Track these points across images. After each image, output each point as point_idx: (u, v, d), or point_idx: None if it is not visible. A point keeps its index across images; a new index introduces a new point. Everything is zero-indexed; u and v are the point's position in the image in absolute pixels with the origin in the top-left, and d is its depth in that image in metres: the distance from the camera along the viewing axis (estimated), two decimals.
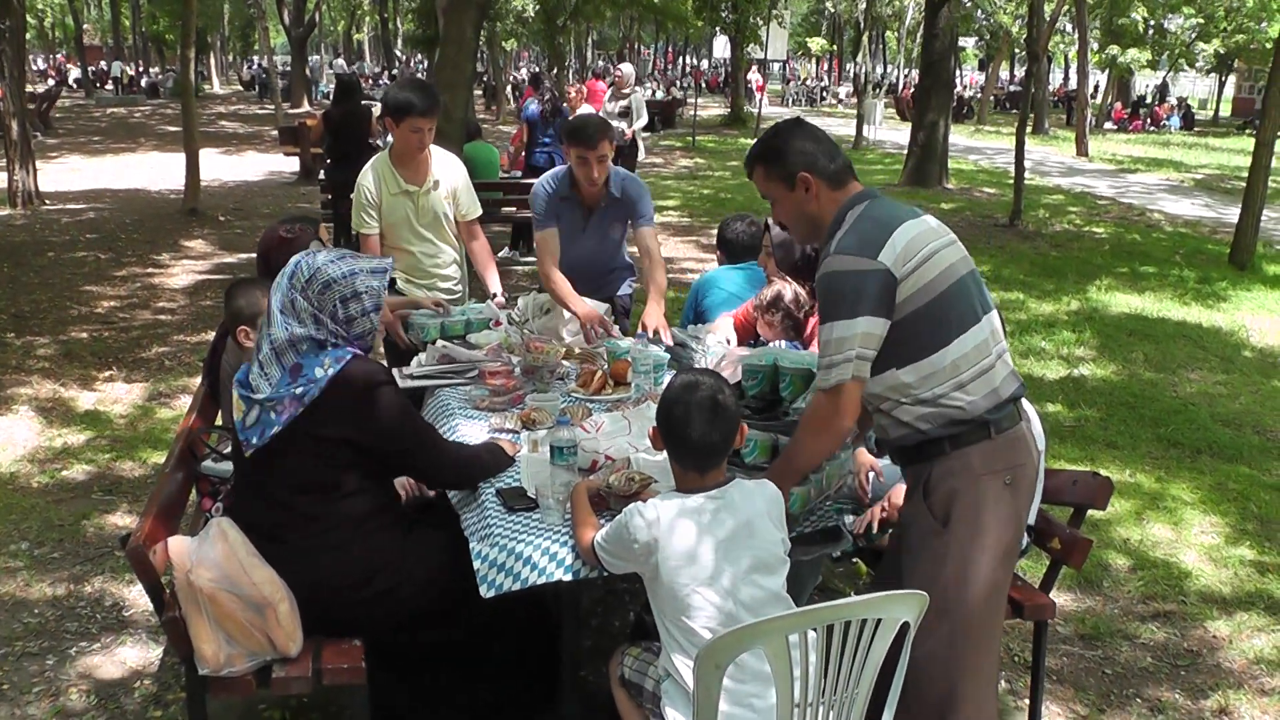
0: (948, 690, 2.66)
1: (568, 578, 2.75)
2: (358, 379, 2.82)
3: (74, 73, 48.96)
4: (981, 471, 2.65)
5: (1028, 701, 3.53)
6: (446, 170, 4.95)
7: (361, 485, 2.90)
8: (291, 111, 30.26)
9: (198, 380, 5.25)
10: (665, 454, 2.71)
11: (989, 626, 2.72)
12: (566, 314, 4.67)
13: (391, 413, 2.88)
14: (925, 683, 2.54)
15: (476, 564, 2.73)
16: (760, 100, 31.94)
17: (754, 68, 38.21)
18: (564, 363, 4.17)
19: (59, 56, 63.44)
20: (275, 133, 21.98)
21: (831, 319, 2.63)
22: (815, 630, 2.25)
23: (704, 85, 51.97)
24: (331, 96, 10.56)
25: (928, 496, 2.67)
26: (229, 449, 3.39)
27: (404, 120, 4.63)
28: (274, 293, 2.88)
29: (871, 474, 3.35)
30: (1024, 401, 2.83)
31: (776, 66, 54.39)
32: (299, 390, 2.77)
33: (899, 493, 3.23)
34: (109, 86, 47.02)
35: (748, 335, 4.57)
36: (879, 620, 2.29)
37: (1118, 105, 40.90)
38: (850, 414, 2.67)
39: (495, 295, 4.96)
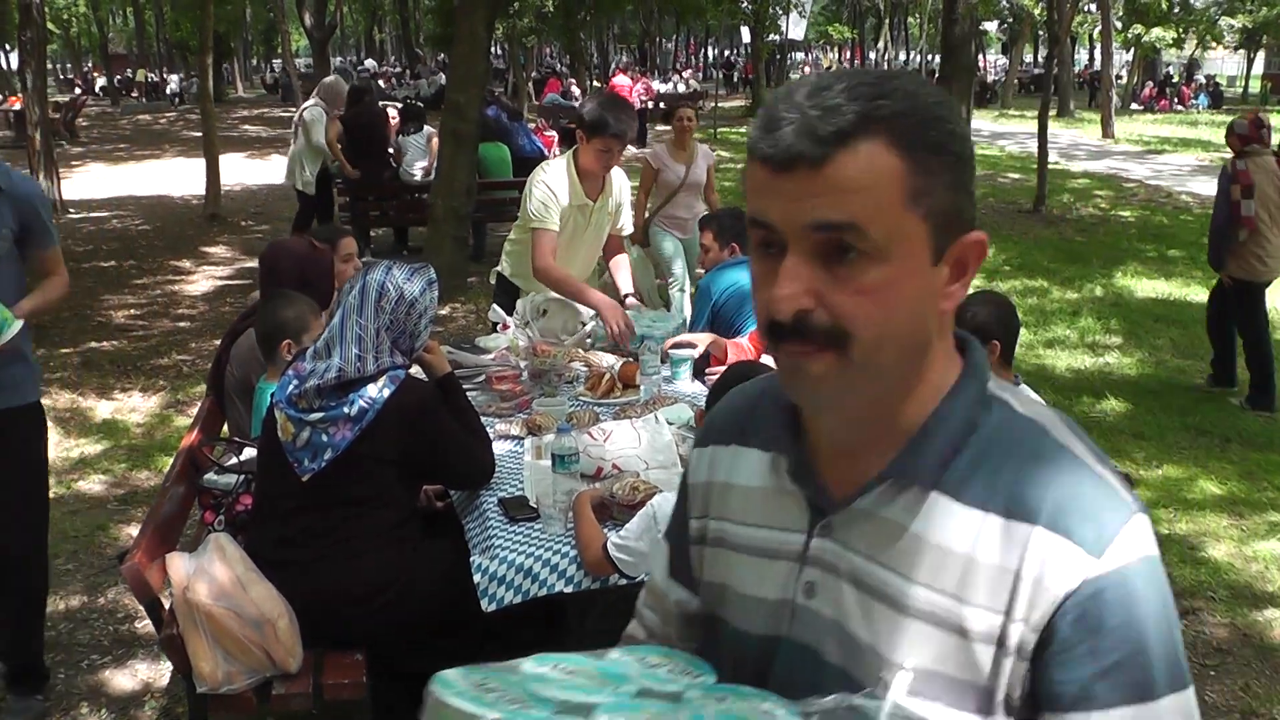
0: None
1: (569, 589, 2.71)
2: (414, 403, 2.85)
3: (100, 81, 49.27)
4: None
5: None
6: (616, 187, 4.78)
7: (394, 497, 2.90)
8: None
9: None
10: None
11: None
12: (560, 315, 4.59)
13: (443, 434, 2.92)
14: None
15: (477, 578, 2.68)
16: None
17: (807, 61, 37.80)
18: (573, 365, 4.11)
19: (86, 65, 64.00)
20: None
21: None
22: None
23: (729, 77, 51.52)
24: (345, 101, 10.61)
25: None
26: (231, 461, 3.35)
27: (595, 138, 4.41)
28: (352, 313, 2.86)
29: None
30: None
31: (799, 55, 54.05)
32: (353, 411, 2.76)
33: None
34: (134, 93, 47.28)
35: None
36: None
37: (1149, 84, 40.40)
38: None
39: (627, 296, 4.81)
